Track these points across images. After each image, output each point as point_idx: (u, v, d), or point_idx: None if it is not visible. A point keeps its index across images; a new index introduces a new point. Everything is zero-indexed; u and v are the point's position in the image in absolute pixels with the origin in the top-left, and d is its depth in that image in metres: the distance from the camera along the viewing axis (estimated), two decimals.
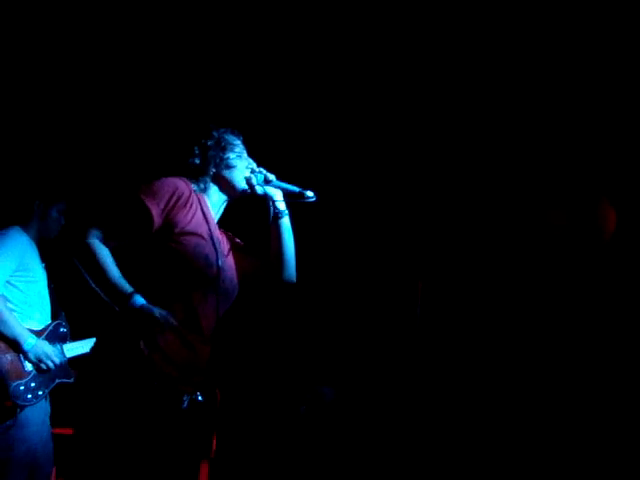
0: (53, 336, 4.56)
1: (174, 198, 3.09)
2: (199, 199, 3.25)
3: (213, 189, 3.34)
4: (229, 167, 3.33)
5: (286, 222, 3.38)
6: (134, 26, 5.19)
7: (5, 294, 4.41)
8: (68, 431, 4.94)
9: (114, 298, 2.95)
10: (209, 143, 3.33)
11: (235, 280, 3.26)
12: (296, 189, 3.31)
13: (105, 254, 2.98)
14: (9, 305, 4.41)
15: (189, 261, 3.05)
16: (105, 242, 3.01)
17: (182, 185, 3.18)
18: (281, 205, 3.36)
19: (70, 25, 5.18)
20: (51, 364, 4.41)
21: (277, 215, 3.37)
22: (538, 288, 4.77)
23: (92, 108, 5.65)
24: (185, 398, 2.97)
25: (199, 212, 3.19)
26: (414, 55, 4.88)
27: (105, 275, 2.96)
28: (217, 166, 3.32)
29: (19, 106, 5.58)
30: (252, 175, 3.34)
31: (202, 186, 3.30)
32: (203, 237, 3.14)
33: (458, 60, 4.84)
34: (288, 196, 3.33)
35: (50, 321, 4.62)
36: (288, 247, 3.37)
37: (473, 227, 4.97)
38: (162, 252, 3.05)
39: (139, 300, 2.94)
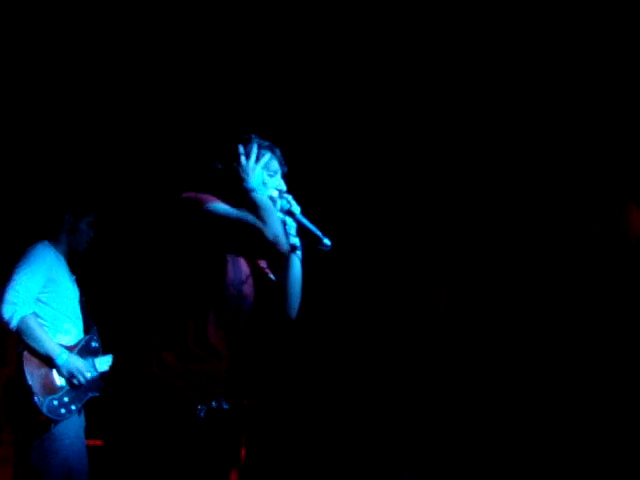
0: (85, 351, 4.61)
1: None
2: None
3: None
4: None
5: (297, 256, 3.21)
6: (164, 39, 5.21)
7: (36, 311, 4.46)
8: (100, 443, 5.06)
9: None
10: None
11: (251, 301, 3.16)
12: (316, 231, 3.15)
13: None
14: (40, 321, 4.45)
15: (214, 280, 2.98)
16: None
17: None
18: (294, 239, 3.19)
19: (105, 39, 5.21)
20: (82, 379, 4.46)
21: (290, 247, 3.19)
22: (561, 294, 4.76)
23: (122, 120, 5.67)
24: (200, 408, 2.90)
25: None
26: (438, 76, 4.89)
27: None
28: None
29: (48, 120, 5.61)
30: (276, 198, 3.17)
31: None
32: (230, 256, 3.07)
33: (481, 70, 4.84)
34: (304, 235, 3.18)
35: (82, 335, 4.66)
36: (295, 282, 3.20)
37: (496, 233, 4.96)
38: (193, 266, 2.94)
39: None
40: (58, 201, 4.85)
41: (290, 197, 3.19)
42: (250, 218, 2.87)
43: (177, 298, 2.93)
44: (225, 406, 2.97)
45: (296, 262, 3.19)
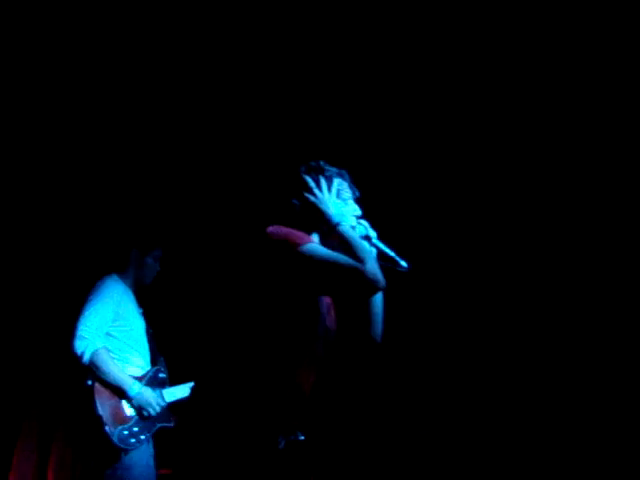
0: (153, 381, 4.70)
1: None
2: None
3: (316, 236, 3.12)
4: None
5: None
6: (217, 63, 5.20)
7: (107, 344, 4.57)
8: (169, 471, 5.10)
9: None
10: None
11: (335, 332, 3.11)
12: (392, 254, 3.11)
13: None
14: (112, 354, 4.57)
15: (305, 320, 2.93)
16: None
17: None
18: None
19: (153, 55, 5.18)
20: (152, 411, 4.56)
21: None
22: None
23: (188, 156, 5.72)
24: (280, 439, 2.87)
25: None
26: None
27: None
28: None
29: (112, 154, 5.71)
30: (354, 226, 3.12)
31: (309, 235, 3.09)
32: None
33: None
34: (381, 258, 3.09)
35: (150, 367, 4.77)
36: (377, 306, 3.15)
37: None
38: (284, 305, 2.90)
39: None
40: (124, 237, 4.98)
41: (366, 223, 3.16)
42: (347, 260, 2.82)
43: (266, 336, 2.88)
44: (301, 437, 2.93)
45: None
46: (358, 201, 3.20)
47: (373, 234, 3.14)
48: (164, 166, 5.74)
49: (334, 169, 3.17)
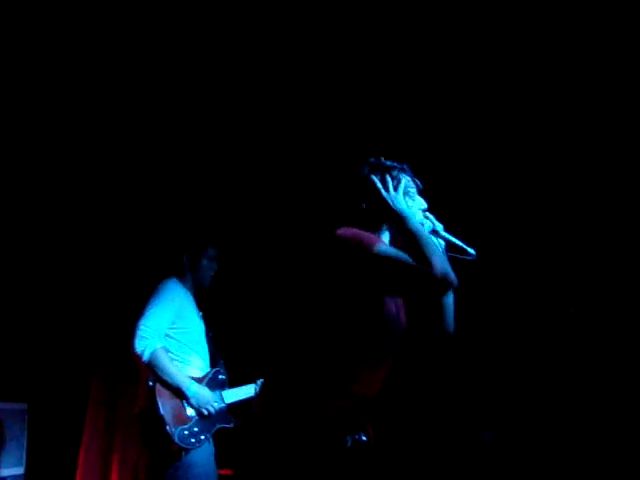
0: (213, 383, 4.75)
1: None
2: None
3: (385, 236, 3.10)
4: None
5: None
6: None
7: (166, 345, 4.64)
8: (230, 472, 5.31)
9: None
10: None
11: (405, 327, 3.06)
12: (460, 243, 3.09)
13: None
14: (170, 355, 4.63)
15: (374, 320, 2.90)
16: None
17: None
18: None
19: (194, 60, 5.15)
20: (212, 409, 4.61)
21: None
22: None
23: (235, 152, 5.69)
24: (348, 438, 2.86)
25: None
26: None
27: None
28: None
29: (155, 161, 5.75)
30: (423, 222, 3.09)
31: (377, 235, 3.06)
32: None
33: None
34: (450, 249, 3.09)
35: (209, 369, 4.82)
36: (449, 298, 3.05)
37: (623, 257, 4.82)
38: (354, 306, 2.87)
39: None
40: (173, 243, 5.01)
41: (431, 216, 3.13)
42: (416, 260, 2.79)
43: (335, 336, 2.85)
44: (363, 438, 2.91)
45: None
46: (421, 193, 3.16)
47: (440, 226, 3.10)
48: (215, 163, 5.73)
49: (394, 163, 3.13)
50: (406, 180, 3.09)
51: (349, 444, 2.85)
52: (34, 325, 5.95)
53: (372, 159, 3.11)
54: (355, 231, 2.88)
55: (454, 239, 3.09)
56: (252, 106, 5.33)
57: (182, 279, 4.88)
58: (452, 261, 2.95)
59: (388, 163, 3.11)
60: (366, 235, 2.88)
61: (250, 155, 5.60)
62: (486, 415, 4.91)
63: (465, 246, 3.07)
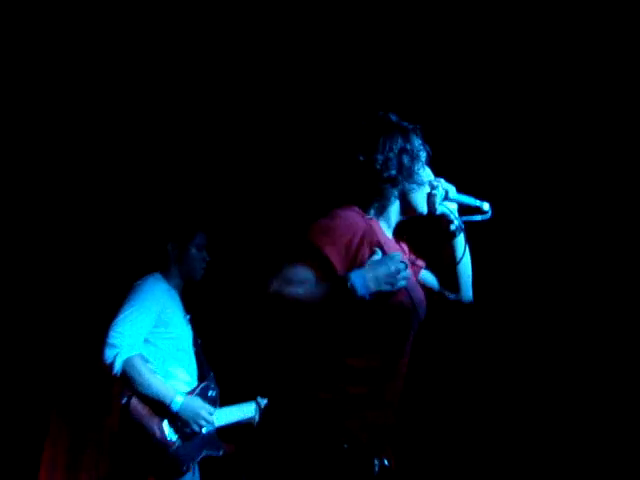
0: (201, 400, 4.03)
1: (355, 240, 2.55)
2: (373, 228, 2.67)
3: (392, 210, 2.80)
4: (418, 184, 2.78)
5: (463, 238, 2.93)
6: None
7: (144, 353, 3.97)
8: None
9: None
10: (402, 147, 2.75)
11: (424, 304, 2.77)
12: (474, 202, 2.91)
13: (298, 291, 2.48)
14: (149, 365, 3.96)
15: (382, 317, 2.58)
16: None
17: (358, 220, 2.63)
18: (457, 220, 2.92)
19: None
20: (204, 423, 3.91)
21: (454, 232, 2.93)
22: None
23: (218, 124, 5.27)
24: (376, 462, 2.55)
25: (380, 248, 2.62)
26: None
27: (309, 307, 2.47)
28: (405, 182, 2.75)
29: (138, 146, 5.32)
30: (434, 192, 2.84)
31: (380, 210, 2.78)
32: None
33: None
34: (464, 211, 2.93)
35: (197, 383, 4.12)
36: (465, 265, 2.94)
37: None
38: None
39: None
40: (156, 230, 4.39)
41: (441, 181, 2.87)
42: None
43: (338, 335, 2.56)
44: (386, 463, 2.60)
45: (462, 244, 2.92)
46: (429, 159, 2.88)
47: (452, 190, 2.88)
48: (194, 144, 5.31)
49: (405, 124, 2.81)
50: (417, 144, 2.80)
51: (377, 470, 2.56)
52: None
53: (381, 113, 2.81)
54: (326, 221, 2.57)
55: (467, 198, 2.92)
56: (239, 88, 5.06)
57: (166, 274, 4.22)
58: (468, 226, 2.90)
59: (397, 121, 2.81)
60: (332, 229, 2.54)
61: (241, 137, 5.26)
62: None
63: (479, 203, 2.90)
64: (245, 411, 4.18)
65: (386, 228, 2.78)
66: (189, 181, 5.28)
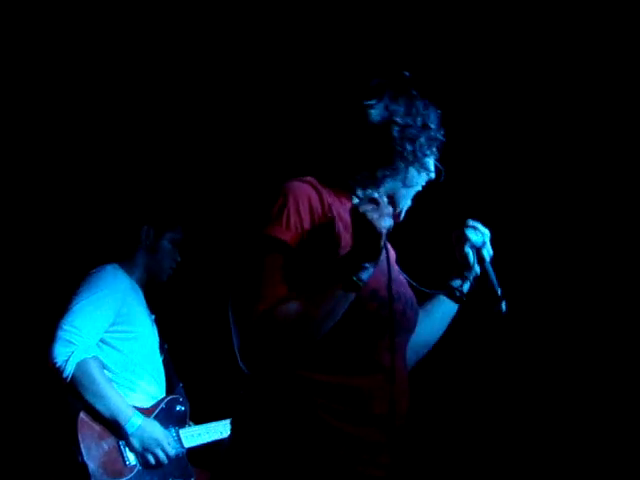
0: (167, 416, 3.54)
1: (316, 214, 2.13)
2: (344, 204, 2.23)
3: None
4: (419, 170, 2.31)
5: (453, 308, 2.50)
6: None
7: (100, 357, 3.40)
8: None
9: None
10: (425, 122, 2.29)
11: (414, 302, 2.31)
12: (497, 289, 2.44)
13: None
14: (106, 373, 3.40)
15: (350, 313, 2.10)
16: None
17: (309, 190, 2.18)
18: (466, 286, 2.51)
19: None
20: (162, 455, 3.37)
21: (453, 292, 2.50)
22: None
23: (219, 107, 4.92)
24: None
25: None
26: None
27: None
28: (411, 166, 2.29)
29: (126, 116, 4.90)
30: (475, 232, 2.45)
31: (371, 185, 2.29)
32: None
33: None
34: (479, 287, 2.51)
35: (163, 395, 3.61)
36: (432, 333, 2.49)
37: None
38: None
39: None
40: (133, 209, 3.89)
41: (488, 233, 2.48)
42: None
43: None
44: None
45: (449, 310, 2.49)
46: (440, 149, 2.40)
47: (488, 255, 2.48)
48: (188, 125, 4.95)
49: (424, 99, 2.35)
50: (437, 125, 2.35)
51: None
52: None
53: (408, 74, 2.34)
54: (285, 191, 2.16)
55: (494, 279, 2.47)
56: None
57: (128, 265, 3.68)
58: (472, 305, 2.51)
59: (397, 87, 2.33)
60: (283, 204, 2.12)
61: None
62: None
63: (501, 294, 2.43)
64: (222, 429, 3.64)
65: None
66: (182, 166, 4.89)
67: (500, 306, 2.45)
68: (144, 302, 3.68)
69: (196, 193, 4.74)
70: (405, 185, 2.31)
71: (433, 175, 2.36)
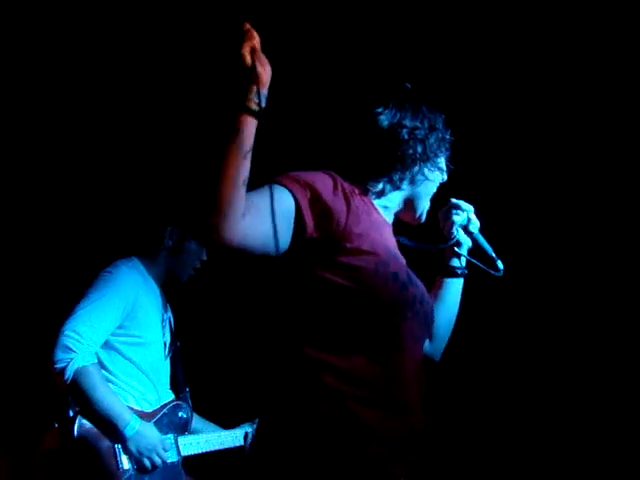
0: (167, 422, 3.49)
1: (338, 191, 2.17)
2: (367, 203, 2.29)
3: (395, 197, 2.40)
4: (430, 177, 2.41)
5: (460, 284, 2.69)
6: None
7: (103, 359, 3.38)
8: None
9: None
10: (432, 125, 2.39)
11: (427, 294, 2.38)
12: (491, 251, 2.66)
13: None
14: (105, 374, 3.38)
15: (373, 292, 2.16)
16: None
17: (332, 177, 2.23)
18: (463, 261, 2.69)
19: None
20: (158, 461, 3.33)
21: (455, 271, 2.67)
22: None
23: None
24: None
25: (373, 212, 2.29)
26: None
27: None
28: (424, 167, 2.38)
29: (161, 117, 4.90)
30: (457, 212, 2.61)
31: (384, 191, 2.37)
32: (384, 250, 2.26)
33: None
34: (475, 255, 2.71)
35: (167, 400, 3.54)
36: (450, 314, 2.65)
37: None
38: (327, 284, 2.17)
39: None
40: (160, 209, 3.82)
41: (471, 209, 2.64)
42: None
43: (326, 329, 2.19)
44: None
45: (457, 290, 2.68)
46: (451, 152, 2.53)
47: (477, 225, 2.66)
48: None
49: (417, 101, 2.45)
50: (444, 128, 2.49)
51: None
52: None
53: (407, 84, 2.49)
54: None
55: (487, 245, 2.69)
56: None
57: (150, 261, 3.62)
58: (474, 269, 2.70)
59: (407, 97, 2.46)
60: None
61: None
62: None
63: (495, 257, 2.68)
64: (223, 440, 3.60)
65: (383, 211, 2.38)
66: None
67: (497, 266, 2.64)
68: (159, 300, 3.61)
69: None
70: (421, 187, 2.38)
71: (446, 175, 2.46)
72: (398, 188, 2.39)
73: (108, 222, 4.59)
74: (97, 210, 4.70)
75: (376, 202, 2.37)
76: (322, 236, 2.10)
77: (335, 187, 2.16)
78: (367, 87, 2.59)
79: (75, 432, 3.28)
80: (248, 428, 3.65)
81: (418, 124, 2.37)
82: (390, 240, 2.34)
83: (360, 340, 2.15)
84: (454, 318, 2.65)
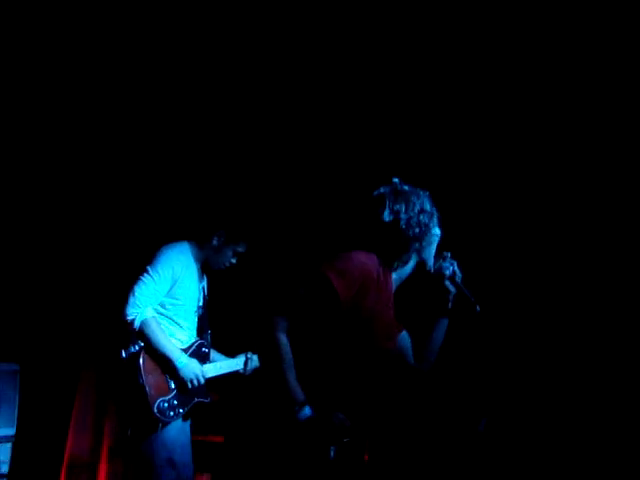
0: (195, 355, 4.63)
1: (364, 280, 2.87)
2: (385, 277, 3.00)
3: (410, 265, 3.13)
4: (430, 243, 3.11)
5: (446, 322, 3.24)
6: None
7: (158, 312, 4.52)
8: (219, 439, 5.37)
9: (285, 401, 2.82)
10: (420, 208, 3.06)
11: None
12: (471, 297, 3.16)
13: (288, 356, 2.85)
14: (162, 327, 4.49)
15: (372, 339, 2.91)
16: (290, 327, 2.85)
17: (371, 264, 2.94)
18: (449, 303, 3.22)
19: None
20: (197, 383, 4.52)
21: (442, 310, 3.23)
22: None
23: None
24: (332, 448, 2.83)
25: (385, 293, 2.98)
26: None
27: (283, 377, 2.83)
28: (423, 240, 3.07)
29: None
30: (446, 264, 3.16)
31: (402, 264, 3.10)
32: (384, 314, 2.98)
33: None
34: (458, 300, 3.21)
35: (195, 339, 4.68)
36: (435, 344, 3.23)
37: None
38: (341, 333, 2.90)
39: (306, 412, 2.80)
40: (221, 213, 4.74)
41: (455, 263, 3.17)
42: None
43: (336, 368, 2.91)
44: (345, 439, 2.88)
45: (444, 326, 3.19)
46: (440, 223, 3.16)
47: (459, 276, 3.16)
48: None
49: (408, 189, 3.10)
50: (430, 206, 3.09)
51: (332, 456, 2.84)
52: (27, 286, 5.89)
53: (397, 180, 3.09)
54: (347, 262, 2.86)
55: (467, 292, 3.13)
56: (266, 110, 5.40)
57: (196, 247, 4.66)
58: (454, 310, 3.12)
59: (412, 187, 3.09)
60: (351, 268, 2.85)
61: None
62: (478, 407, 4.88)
63: (474, 301, 3.10)
64: (232, 365, 4.77)
65: (394, 282, 3.04)
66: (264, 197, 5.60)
67: (475, 308, 3.07)
68: (197, 275, 4.62)
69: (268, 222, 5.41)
70: (426, 252, 3.07)
71: (439, 231, 3.07)
72: (411, 259, 3.02)
73: (179, 213, 5.41)
74: (172, 203, 5.57)
75: (394, 275, 2.99)
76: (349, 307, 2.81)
77: (363, 276, 2.79)
78: (364, 188, 3.09)
79: (139, 363, 4.34)
80: (248, 356, 4.77)
81: (411, 213, 2.94)
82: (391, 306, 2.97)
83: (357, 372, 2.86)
84: (439, 346, 3.15)
